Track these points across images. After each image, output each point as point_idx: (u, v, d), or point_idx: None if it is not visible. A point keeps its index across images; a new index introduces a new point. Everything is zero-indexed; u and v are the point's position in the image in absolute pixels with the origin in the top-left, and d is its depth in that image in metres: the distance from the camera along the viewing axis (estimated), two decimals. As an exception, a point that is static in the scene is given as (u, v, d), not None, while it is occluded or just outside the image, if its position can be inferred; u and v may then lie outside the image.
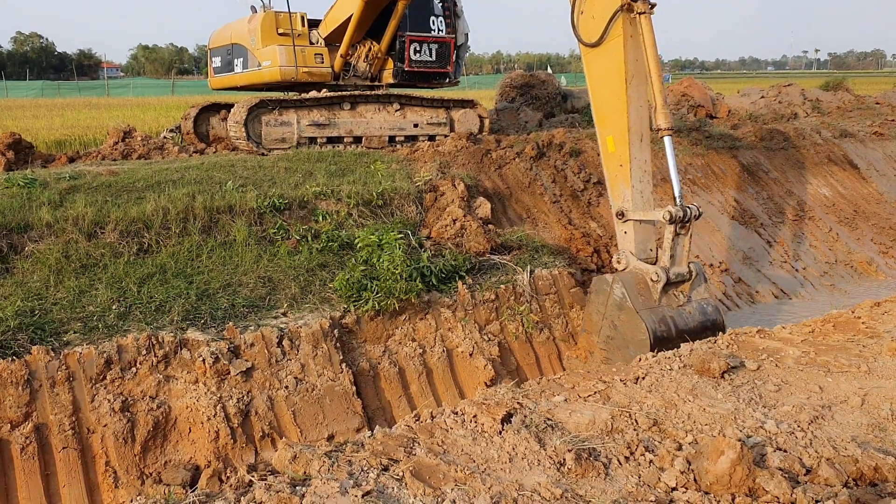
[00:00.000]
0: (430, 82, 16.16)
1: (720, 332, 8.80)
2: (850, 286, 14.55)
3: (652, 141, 9.74)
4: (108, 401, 7.21)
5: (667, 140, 9.14)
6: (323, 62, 15.24)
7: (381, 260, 9.36)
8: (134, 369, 7.49)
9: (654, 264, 9.53)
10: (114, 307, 8.27)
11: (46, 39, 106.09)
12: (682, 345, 7.96)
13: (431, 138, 15.43)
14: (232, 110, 14.36)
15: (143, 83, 64.34)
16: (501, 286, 10.09)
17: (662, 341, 9.06)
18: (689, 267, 9.52)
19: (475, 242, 10.89)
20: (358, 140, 14.77)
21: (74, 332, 7.76)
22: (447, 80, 16.24)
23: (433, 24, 15.36)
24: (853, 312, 8.38)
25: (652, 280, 9.38)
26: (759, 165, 17.22)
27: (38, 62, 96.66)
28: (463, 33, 16.01)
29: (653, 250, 9.80)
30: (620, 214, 9.70)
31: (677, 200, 9.26)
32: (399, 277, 9.12)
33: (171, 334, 7.83)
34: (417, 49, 15.23)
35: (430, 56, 15.37)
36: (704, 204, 15.25)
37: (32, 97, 49.31)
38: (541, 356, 9.87)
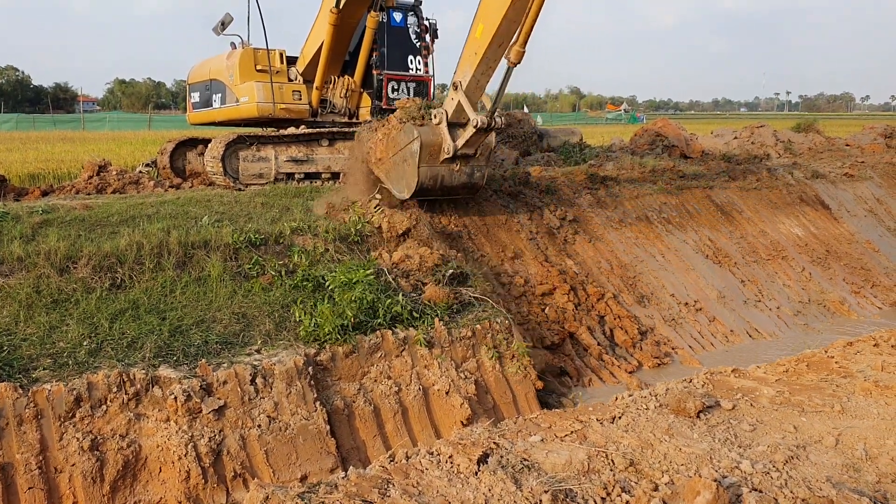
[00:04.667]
0: None
1: (476, 192, 12.94)
2: (823, 325, 14.66)
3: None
4: (77, 439, 7.07)
5: (510, 70, 10.64)
6: (300, 99, 15.31)
7: (351, 301, 9.36)
8: (104, 407, 7.36)
9: (464, 126, 11.49)
10: (85, 343, 8.14)
11: (22, 72, 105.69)
12: (444, 197, 12.63)
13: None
14: (209, 145, 14.35)
15: (119, 117, 64.10)
16: (478, 324, 10.07)
17: (425, 191, 12.03)
18: (476, 150, 11.85)
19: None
20: (336, 176, 14.78)
21: (44, 369, 7.62)
22: None
23: (411, 62, 15.49)
24: (826, 352, 8.44)
25: (444, 150, 11.63)
26: (733, 205, 17.41)
27: (13, 95, 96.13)
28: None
29: (465, 119, 11.43)
30: (455, 86, 11.27)
31: (491, 113, 11.15)
32: (371, 317, 9.17)
33: (143, 371, 7.72)
34: (395, 87, 15.33)
35: (408, 94, 15.48)
36: (679, 242, 15.36)
37: (6, 130, 48.97)
38: (518, 395, 9.82)
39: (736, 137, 26.02)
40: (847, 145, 26.16)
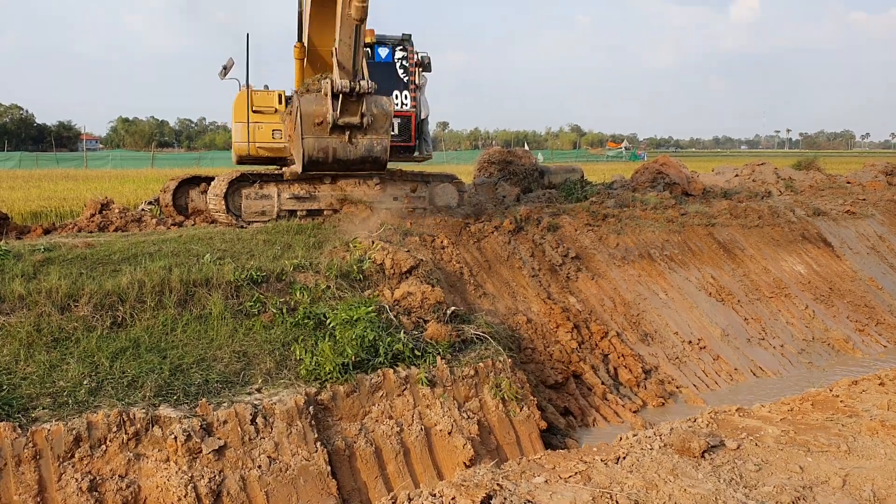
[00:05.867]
0: (394, 156, 15.67)
1: (379, 167, 12.95)
2: (827, 364, 14.57)
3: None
4: (76, 480, 7.00)
5: (357, 27, 10.90)
6: (280, 137, 15.24)
7: (352, 339, 9.33)
8: (104, 447, 7.29)
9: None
10: (85, 382, 8.09)
11: (26, 111, 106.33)
12: (345, 170, 13.05)
13: (411, 211, 15.47)
14: (212, 183, 14.37)
15: (122, 155, 64.44)
16: (481, 362, 10.01)
17: (316, 163, 12.33)
18: (362, 120, 11.80)
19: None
20: (337, 211, 14.77)
21: (43, 408, 7.57)
22: (411, 153, 15.93)
23: (396, 97, 15.35)
24: (831, 391, 8.38)
25: (327, 120, 11.75)
26: (735, 242, 17.39)
27: (16, 133, 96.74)
28: (425, 107, 16.06)
29: (353, 87, 11.50)
30: (332, 53, 11.53)
31: (351, 77, 11.39)
32: (372, 355, 9.13)
33: (143, 411, 7.66)
34: None
35: (393, 129, 15.29)
36: (681, 280, 15.32)
37: (10, 168, 49.21)
38: (521, 435, 9.73)
39: (737, 175, 26.10)
40: (848, 183, 26.21)
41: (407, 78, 15.43)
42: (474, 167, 24.15)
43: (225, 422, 7.85)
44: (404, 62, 15.42)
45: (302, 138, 11.94)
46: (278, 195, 14.30)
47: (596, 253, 14.98)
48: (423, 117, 15.86)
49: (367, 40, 15.16)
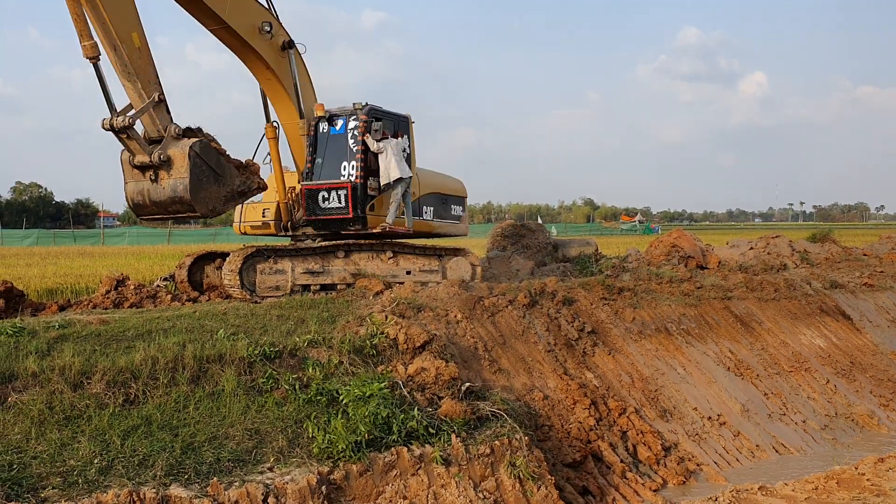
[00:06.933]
0: (341, 228, 15.15)
1: (189, 208, 12.44)
2: (852, 440, 14.25)
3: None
4: (83, 563, 6.85)
5: (93, 66, 11.30)
6: (266, 216, 15.40)
7: (365, 416, 9.21)
8: (112, 528, 7.15)
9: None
10: (95, 461, 7.99)
11: (45, 189, 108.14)
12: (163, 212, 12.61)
13: (424, 285, 15.44)
14: (227, 259, 14.44)
15: (139, 232, 65.22)
16: (497, 440, 9.84)
17: (140, 206, 12.58)
18: (151, 158, 11.92)
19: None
20: (350, 285, 14.79)
21: (53, 488, 7.45)
22: (353, 225, 14.91)
23: (344, 169, 14.87)
24: (857, 469, 8.20)
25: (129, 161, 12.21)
26: (752, 316, 17.25)
27: (34, 211, 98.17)
28: (392, 171, 14.95)
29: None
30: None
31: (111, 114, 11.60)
32: (385, 433, 9.00)
33: (154, 490, 7.53)
34: (326, 196, 14.78)
35: (339, 202, 14.69)
36: (699, 354, 15.15)
37: (27, 245, 49.93)
38: (537, 514, 9.50)
39: (752, 248, 26.04)
40: (864, 255, 26.12)
41: (356, 148, 14.85)
42: (487, 241, 24.22)
43: (236, 502, 7.70)
44: (355, 132, 14.94)
45: (126, 183, 12.50)
46: (292, 270, 14.34)
47: (612, 327, 14.86)
48: (382, 183, 15.00)
49: (318, 114, 15.21)
